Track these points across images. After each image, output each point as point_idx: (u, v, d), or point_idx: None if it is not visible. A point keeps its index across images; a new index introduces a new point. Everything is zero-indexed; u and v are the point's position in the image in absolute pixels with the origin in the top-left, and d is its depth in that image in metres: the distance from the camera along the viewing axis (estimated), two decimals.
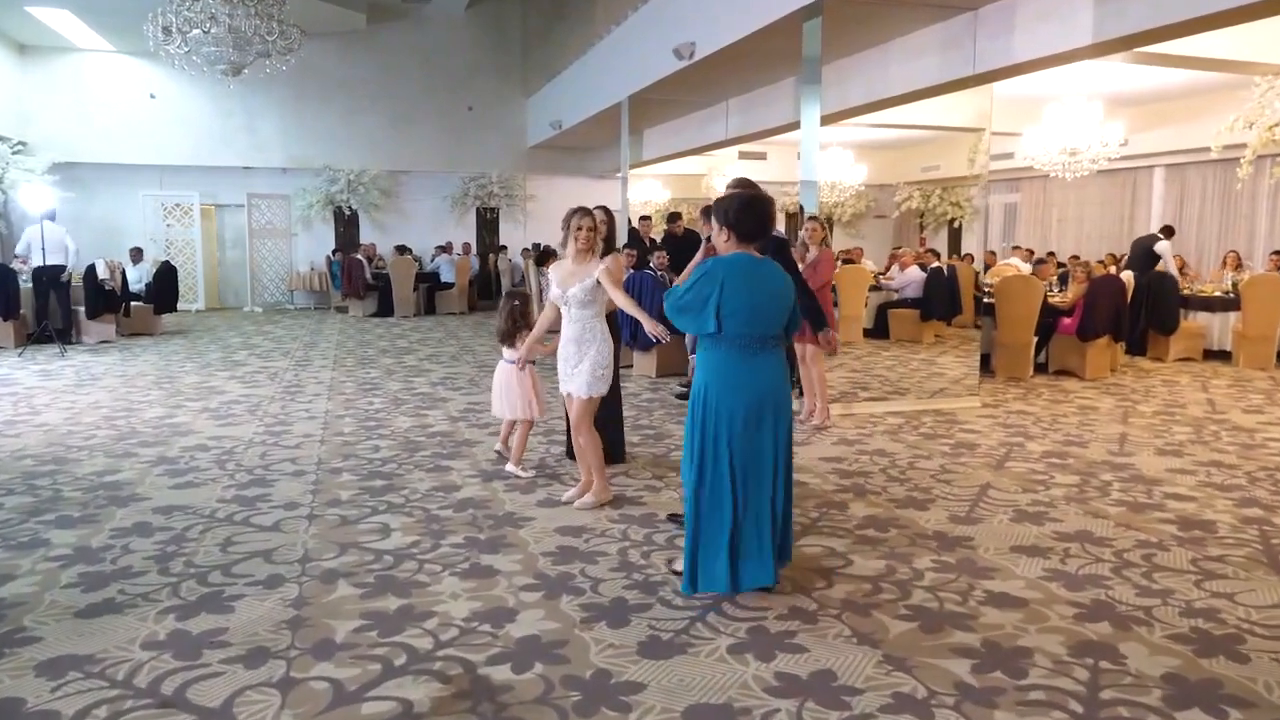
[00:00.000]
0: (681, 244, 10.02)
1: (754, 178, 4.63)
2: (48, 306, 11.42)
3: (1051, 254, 13.60)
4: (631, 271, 8.91)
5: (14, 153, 14.63)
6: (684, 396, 7.69)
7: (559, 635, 3.28)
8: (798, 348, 7.11)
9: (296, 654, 3.13)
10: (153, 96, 16.43)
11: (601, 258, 4.78)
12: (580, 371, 4.74)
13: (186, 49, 10.32)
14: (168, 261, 14.07)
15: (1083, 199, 15.66)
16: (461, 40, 18.03)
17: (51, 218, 11.46)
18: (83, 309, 11.84)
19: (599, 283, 4.69)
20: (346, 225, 18.26)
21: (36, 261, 11.42)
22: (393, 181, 18.32)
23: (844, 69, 9.18)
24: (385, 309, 16.09)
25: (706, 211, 4.63)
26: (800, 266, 6.62)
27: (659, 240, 11.46)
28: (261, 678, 2.97)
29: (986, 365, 9.03)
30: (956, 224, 14.66)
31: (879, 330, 11.21)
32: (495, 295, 16.86)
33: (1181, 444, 6.36)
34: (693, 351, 6.73)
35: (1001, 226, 17.33)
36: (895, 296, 11.30)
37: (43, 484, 5.27)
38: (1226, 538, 4.39)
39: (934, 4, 7.50)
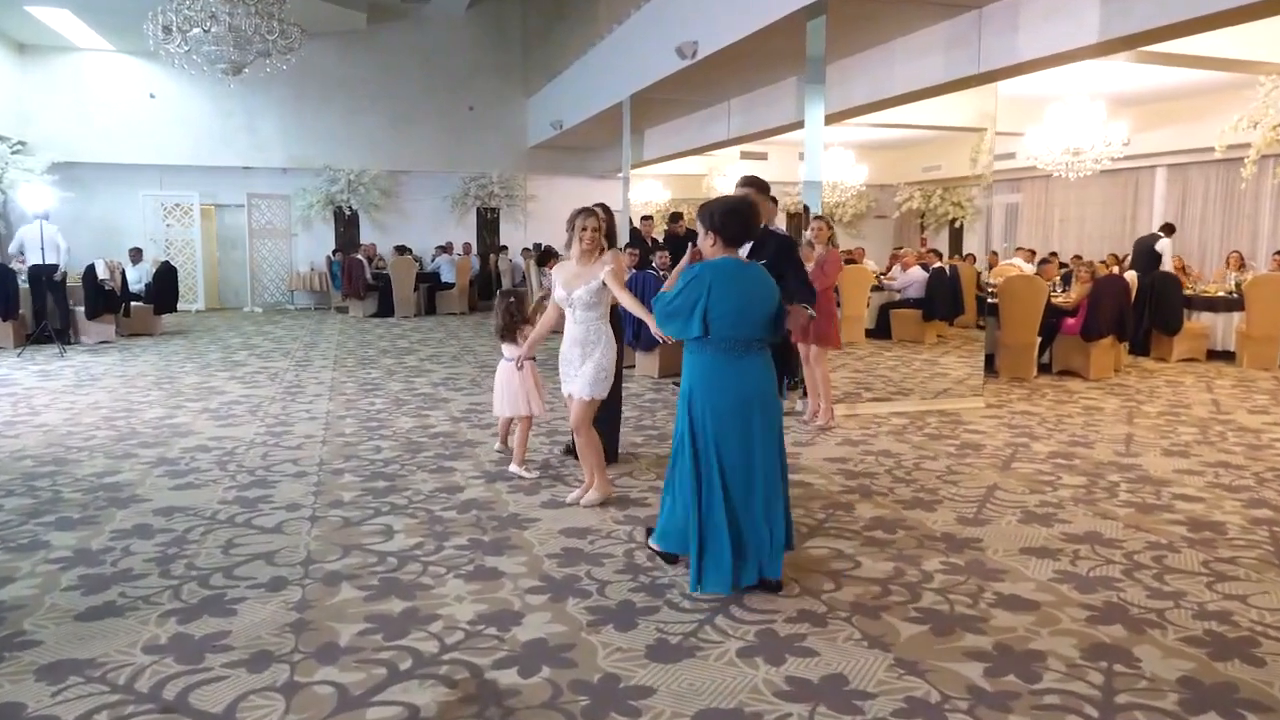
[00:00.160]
0: (683, 244, 9.98)
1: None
2: (46, 307, 11.38)
3: (1054, 254, 13.57)
4: (634, 271, 8.88)
5: (13, 152, 14.59)
6: None
7: (566, 638, 3.24)
8: (801, 348, 7.08)
9: (300, 658, 3.09)
10: (152, 96, 16.39)
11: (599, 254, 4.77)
12: (583, 373, 4.70)
13: (187, 48, 10.27)
14: (167, 262, 14.03)
15: (1084, 199, 15.62)
16: (462, 40, 17.99)
17: (46, 217, 11.42)
18: (82, 309, 11.80)
19: (604, 284, 4.66)
20: (347, 225, 18.21)
21: (33, 260, 11.38)
22: (393, 181, 18.28)
23: (847, 68, 9.14)
24: (385, 309, 16.05)
25: None
26: (808, 267, 6.59)
27: (661, 240, 11.43)
28: (265, 682, 2.92)
29: (990, 366, 8.99)
30: (958, 224, 14.63)
31: (881, 330, 11.18)
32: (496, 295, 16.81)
33: (1188, 444, 6.33)
34: None
35: (1003, 227, 17.29)
36: (897, 296, 11.26)
37: (42, 485, 5.23)
38: (1237, 539, 4.36)
39: (938, 2, 7.47)
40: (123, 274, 12.75)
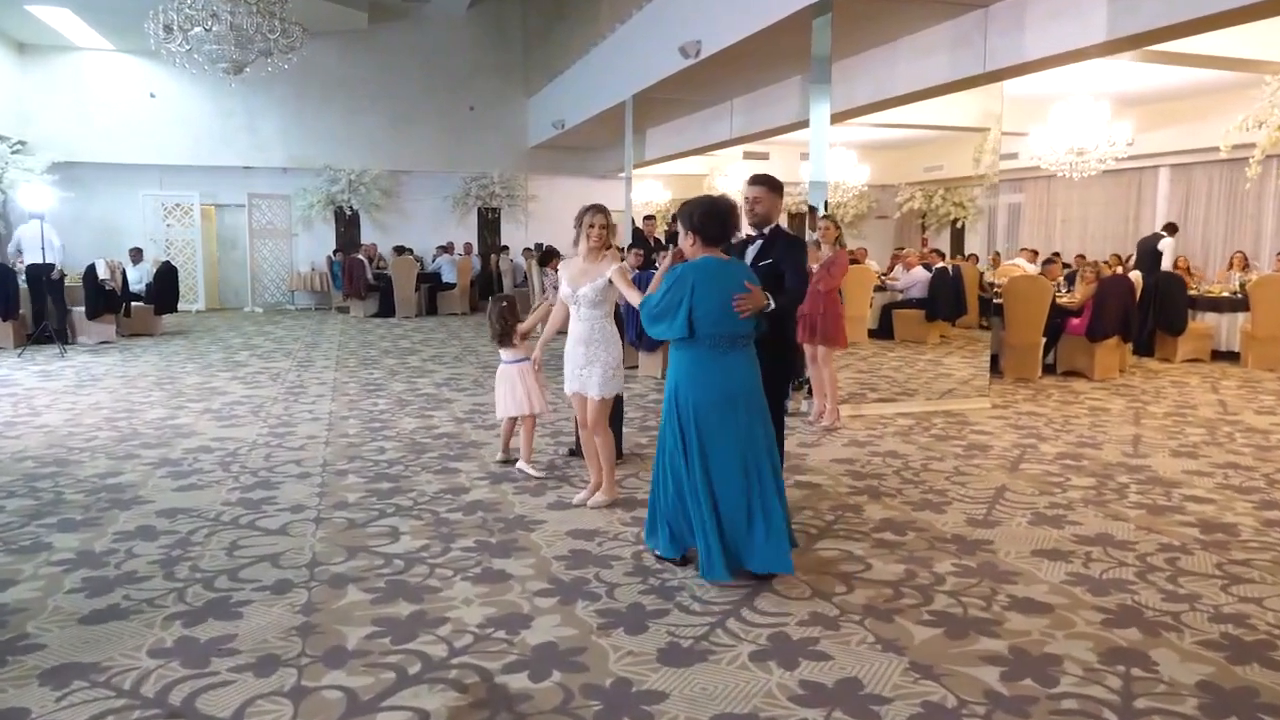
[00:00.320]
0: None
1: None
2: (45, 307, 11.33)
3: (1056, 254, 13.53)
4: (637, 271, 8.84)
5: (13, 152, 14.54)
6: None
7: (576, 642, 3.20)
8: (807, 349, 7.04)
9: (308, 662, 3.05)
10: (153, 96, 16.34)
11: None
12: (592, 372, 4.66)
13: (188, 47, 10.24)
14: (168, 262, 13.98)
15: (1087, 199, 15.59)
16: (463, 39, 17.95)
17: (42, 217, 11.38)
18: (82, 309, 11.75)
19: (611, 282, 4.62)
20: (347, 225, 18.17)
21: (30, 259, 11.34)
22: (394, 181, 18.24)
23: (851, 68, 9.10)
24: (386, 309, 16.01)
25: None
26: (814, 267, 6.55)
27: (664, 239, 11.39)
28: (272, 686, 2.89)
29: (994, 366, 8.96)
30: (959, 224, 14.60)
31: (884, 331, 11.15)
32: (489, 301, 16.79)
33: (1196, 445, 6.29)
34: None
35: (1005, 227, 17.26)
36: (900, 297, 11.23)
37: (44, 486, 5.19)
38: (1250, 541, 4.32)
39: (944, 1, 7.43)
40: (123, 274, 12.71)
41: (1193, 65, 8.65)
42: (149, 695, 2.83)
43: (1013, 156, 13.47)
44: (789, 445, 5.80)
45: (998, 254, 13.96)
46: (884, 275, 12.02)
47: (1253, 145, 9.93)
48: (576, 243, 4.78)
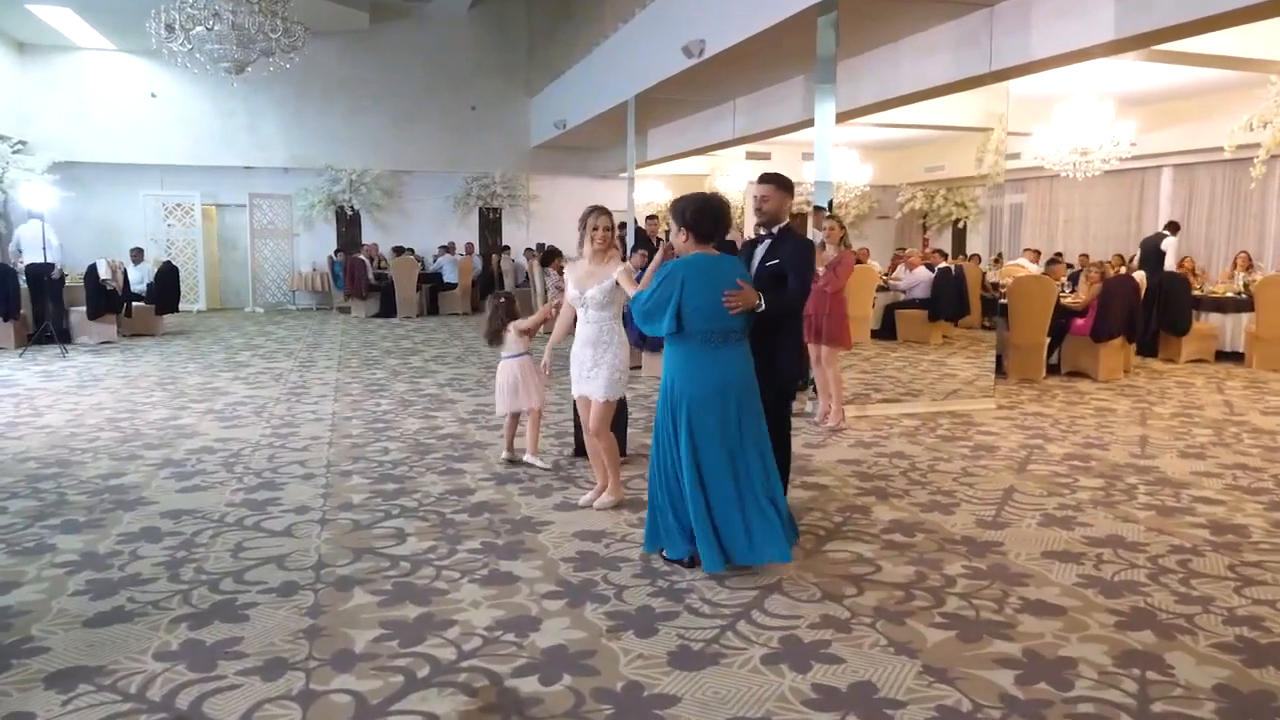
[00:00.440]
0: None
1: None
2: (46, 307, 11.30)
3: (1059, 255, 13.50)
4: (640, 271, 8.79)
5: (14, 152, 14.51)
6: None
7: (586, 645, 3.17)
8: (812, 349, 7.01)
9: (315, 665, 3.02)
10: (154, 96, 16.31)
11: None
12: (599, 374, 4.64)
13: (189, 46, 10.20)
14: (169, 261, 13.95)
15: (1089, 199, 15.56)
16: (465, 39, 17.92)
17: (41, 217, 11.35)
18: (81, 309, 11.72)
19: (618, 283, 4.59)
20: (348, 225, 18.14)
21: (30, 259, 11.31)
22: (395, 181, 18.21)
23: (855, 67, 9.07)
24: (388, 310, 15.98)
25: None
26: (820, 269, 6.52)
27: (667, 238, 11.34)
28: (280, 690, 2.86)
29: (998, 366, 8.93)
30: (961, 224, 14.56)
31: (886, 331, 11.11)
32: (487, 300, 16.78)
33: (1203, 446, 6.26)
34: None
35: (1007, 227, 17.23)
36: (902, 297, 11.19)
37: (47, 487, 5.16)
38: (1261, 543, 4.29)
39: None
40: (125, 274, 12.67)
41: (1198, 65, 8.61)
42: (155, 699, 2.80)
43: (1015, 156, 13.43)
44: (795, 446, 5.76)
45: (1000, 254, 13.92)
46: (886, 275, 11.98)
47: (1257, 145, 9.91)
48: (581, 244, 4.76)
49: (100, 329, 11.87)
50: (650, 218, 12.55)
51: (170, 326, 13.71)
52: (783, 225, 4.35)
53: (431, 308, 16.64)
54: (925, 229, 15.53)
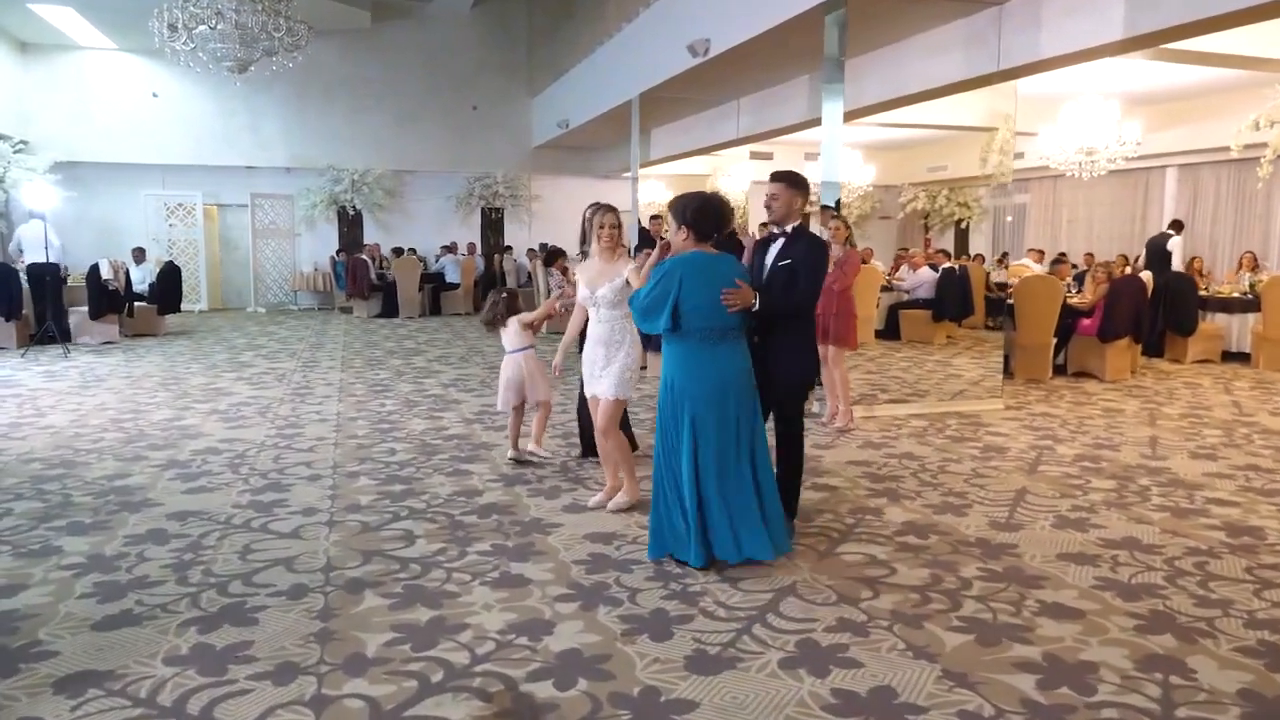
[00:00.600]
0: None
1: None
2: (48, 307, 11.26)
3: (1063, 255, 13.47)
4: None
5: (15, 152, 14.47)
6: None
7: (600, 649, 3.13)
8: (819, 349, 6.96)
9: (327, 669, 2.98)
10: (155, 95, 16.26)
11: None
12: (609, 373, 4.60)
13: (192, 46, 10.17)
14: (171, 261, 13.91)
15: (1093, 199, 15.52)
16: (467, 39, 17.87)
17: (43, 216, 11.31)
18: (82, 309, 11.67)
19: (628, 282, 4.55)
20: (350, 225, 18.10)
21: (31, 259, 11.27)
22: (397, 181, 18.16)
23: (860, 66, 9.03)
24: (390, 310, 15.94)
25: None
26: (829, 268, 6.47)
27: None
28: (292, 695, 2.82)
29: (1005, 366, 8.89)
30: (964, 225, 14.52)
31: (890, 331, 11.07)
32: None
33: (1214, 447, 6.23)
34: None
35: (1011, 226, 17.19)
36: (906, 297, 11.16)
37: (51, 489, 5.12)
38: (1278, 545, 4.26)
39: None
40: (126, 274, 12.63)
41: (1206, 64, 8.57)
42: (166, 704, 2.76)
43: (1019, 156, 13.39)
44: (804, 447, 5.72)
45: (1005, 254, 13.88)
46: (890, 275, 11.95)
47: (1263, 145, 9.87)
48: (586, 244, 4.72)
49: (102, 329, 11.82)
50: (654, 217, 12.48)
51: (172, 326, 13.66)
52: (796, 225, 4.30)
53: (434, 308, 16.60)
54: (927, 229, 15.49)
